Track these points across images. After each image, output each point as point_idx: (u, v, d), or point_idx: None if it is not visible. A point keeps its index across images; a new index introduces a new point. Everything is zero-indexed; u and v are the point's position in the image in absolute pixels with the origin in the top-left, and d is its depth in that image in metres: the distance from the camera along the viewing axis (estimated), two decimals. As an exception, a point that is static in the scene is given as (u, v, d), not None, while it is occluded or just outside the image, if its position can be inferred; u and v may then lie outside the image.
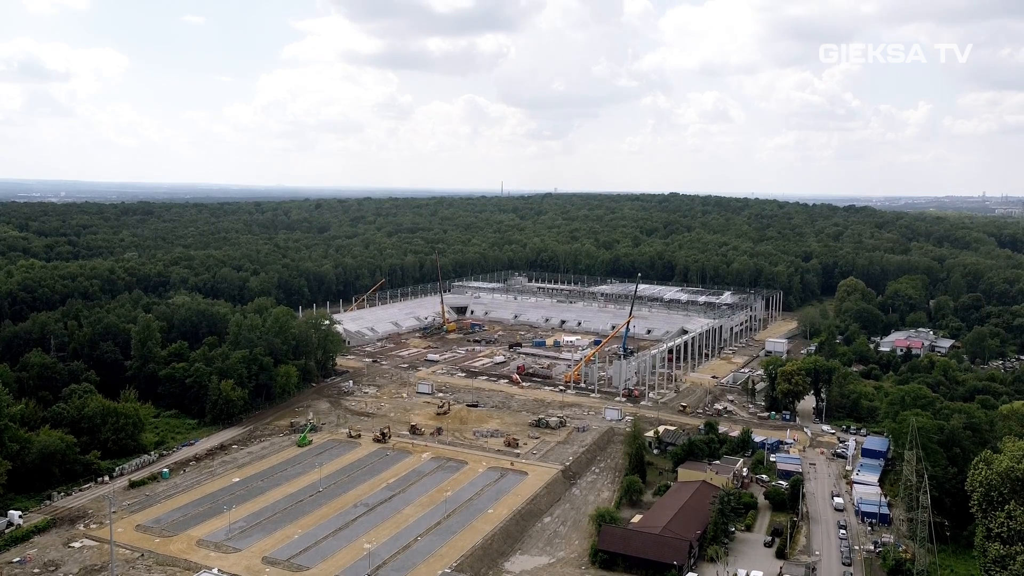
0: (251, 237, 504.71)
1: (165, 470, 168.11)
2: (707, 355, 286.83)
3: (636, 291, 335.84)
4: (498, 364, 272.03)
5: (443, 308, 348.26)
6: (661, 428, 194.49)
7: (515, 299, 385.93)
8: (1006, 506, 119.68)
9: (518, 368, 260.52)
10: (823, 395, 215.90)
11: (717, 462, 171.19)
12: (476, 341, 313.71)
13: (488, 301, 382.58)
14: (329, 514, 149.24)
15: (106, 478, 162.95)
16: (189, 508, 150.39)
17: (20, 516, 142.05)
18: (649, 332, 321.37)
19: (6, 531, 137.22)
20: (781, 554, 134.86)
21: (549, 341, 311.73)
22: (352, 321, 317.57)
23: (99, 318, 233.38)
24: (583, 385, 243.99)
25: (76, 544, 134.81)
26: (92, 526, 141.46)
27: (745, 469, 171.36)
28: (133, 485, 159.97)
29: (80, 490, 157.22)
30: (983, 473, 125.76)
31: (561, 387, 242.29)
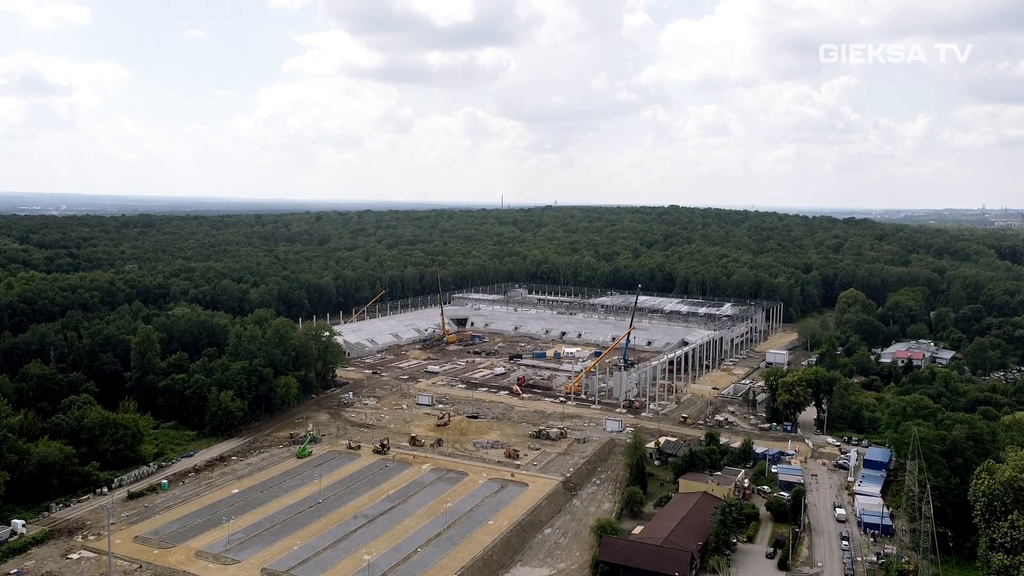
0: (251, 249, 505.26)
1: (164, 481, 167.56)
2: (708, 366, 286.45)
3: (636, 303, 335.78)
4: (498, 376, 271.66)
5: (443, 320, 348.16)
6: (662, 439, 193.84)
7: (515, 311, 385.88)
8: (1009, 516, 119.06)
9: (518, 379, 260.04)
10: (824, 406, 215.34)
11: (718, 473, 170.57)
12: (476, 353, 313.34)
13: (488, 313, 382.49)
14: (329, 525, 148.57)
15: (105, 489, 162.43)
16: (188, 519, 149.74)
17: (23, 526, 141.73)
18: (649, 344, 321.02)
19: (9, 539, 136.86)
20: (783, 565, 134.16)
21: (549, 352, 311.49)
22: (352, 333, 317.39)
23: (99, 329, 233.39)
24: (583, 396, 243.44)
25: (74, 556, 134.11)
26: (90, 537, 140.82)
27: (746, 480, 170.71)
28: (132, 496, 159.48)
29: (78, 501, 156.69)
30: (986, 483, 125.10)
31: (561, 398, 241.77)
